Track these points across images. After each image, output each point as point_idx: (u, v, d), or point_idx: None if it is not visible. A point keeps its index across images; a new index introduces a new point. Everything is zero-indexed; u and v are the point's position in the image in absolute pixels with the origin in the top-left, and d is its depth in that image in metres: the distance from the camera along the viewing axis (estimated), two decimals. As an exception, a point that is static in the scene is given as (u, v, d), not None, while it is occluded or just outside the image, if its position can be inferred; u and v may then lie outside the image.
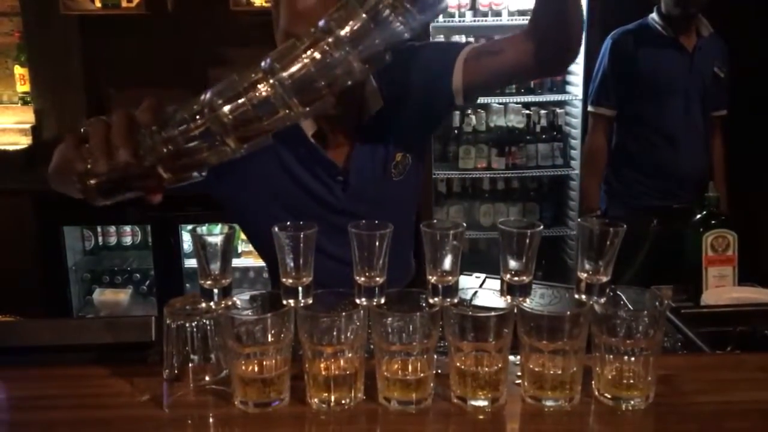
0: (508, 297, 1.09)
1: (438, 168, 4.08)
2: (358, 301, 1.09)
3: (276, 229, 1.09)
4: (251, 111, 0.96)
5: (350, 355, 1.05)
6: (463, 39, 4.01)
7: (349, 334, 1.04)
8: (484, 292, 1.25)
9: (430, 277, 1.10)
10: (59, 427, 1.06)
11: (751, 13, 3.60)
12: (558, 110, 4.19)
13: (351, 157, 1.54)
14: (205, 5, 3.84)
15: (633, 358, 1.04)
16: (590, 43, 3.47)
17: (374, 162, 1.56)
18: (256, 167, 1.50)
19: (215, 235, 1.08)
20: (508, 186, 4.30)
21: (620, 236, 1.06)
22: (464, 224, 1.11)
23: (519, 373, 1.09)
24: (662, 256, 2.14)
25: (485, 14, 3.98)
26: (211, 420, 1.06)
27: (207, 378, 1.11)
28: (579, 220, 1.12)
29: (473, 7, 4.00)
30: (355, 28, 0.94)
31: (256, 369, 1.06)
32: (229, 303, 1.10)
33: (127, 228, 3.99)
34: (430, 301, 1.09)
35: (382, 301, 1.09)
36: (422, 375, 1.06)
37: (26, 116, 4.05)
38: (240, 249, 3.89)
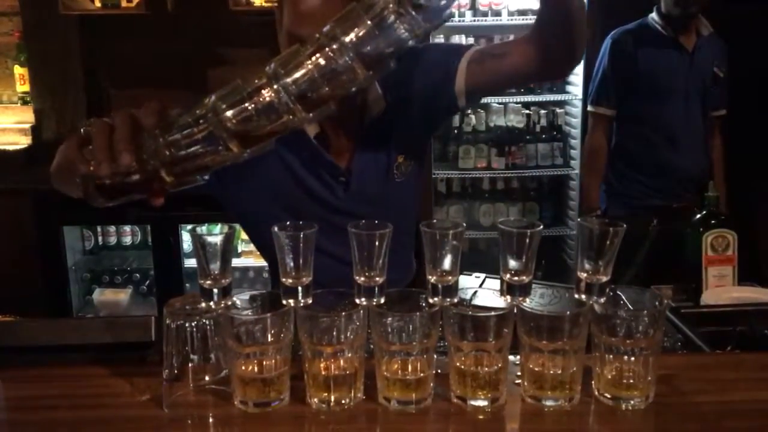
0: (508, 297, 1.09)
1: (438, 168, 4.09)
2: (357, 300, 1.09)
3: (276, 229, 1.09)
4: (255, 116, 0.96)
5: (350, 354, 1.05)
6: (462, 39, 4.02)
7: (348, 334, 1.04)
8: (484, 291, 1.24)
9: (430, 277, 1.10)
10: (59, 427, 1.06)
11: (751, 13, 3.60)
12: (558, 110, 4.19)
13: (353, 159, 1.54)
14: (205, 5, 3.84)
15: (633, 358, 1.04)
16: (590, 43, 3.47)
17: (376, 163, 1.56)
18: (257, 168, 1.50)
19: (215, 234, 1.08)
20: (508, 186, 4.31)
21: (620, 236, 1.06)
22: (464, 224, 1.11)
23: (519, 373, 1.09)
24: (662, 256, 2.14)
25: (485, 14, 3.98)
26: (210, 420, 1.06)
27: (207, 378, 1.11)
28: (579, 219, 1.12)
29: (473, 7, 4.00)
30: (360, 34, 0.94)
31: (255, 369, 1.06)
32: (229, 303, 1.10)
33: (127, 228, 3.99)
34: (430, 300, 1.09)
35: (382, 300, 1.09)
36: (422, 375, 1.06)
37: (26, 116, 4.05)
38: (240, 249, 3.89)
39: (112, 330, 1.46)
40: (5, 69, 4.08)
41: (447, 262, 1.09)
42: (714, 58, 3.16)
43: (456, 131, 4.14)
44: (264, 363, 1.06)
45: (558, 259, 4.30)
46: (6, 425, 1.09)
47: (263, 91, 0.96)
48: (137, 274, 3.96)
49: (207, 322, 1.09)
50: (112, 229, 3.99)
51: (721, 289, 1.84)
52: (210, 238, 1.08)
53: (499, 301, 1.10)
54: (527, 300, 1.09)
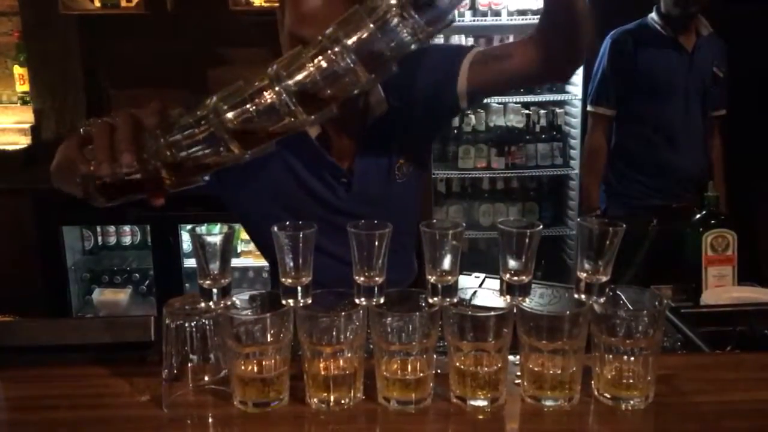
0: (508, 297, 1.09)
1: (437, 168, 4.08)
2: (357, 300, 1.09)
3: (275, 228, 1.09)
4: (256, 117, 0.96)
5: (349, 354, 1.05)
6: (462, 39, 4.01)
7: (348, 334, 1.04)
8: (484, 291, 1.25)
9: (430, 277, 1.10)
10: (59, 427, 1.06)
11: (751, 13, 3.60)
12: (557, 110, 4.19)
13: (355, 159, 1.54)
14: (204, 5, 3.84)
15: (632, 358, 1.04)
16: (590, 43, 3.47)
17: (378, 164, 1.56)
18: (259, 168, 1.50)
19: (214, 234, 1.08)
20: (508, 186, 4.31)
21: (620, 236, 1.06)
22: (464, 224, 1.11)
23: (518, 373, 1.09)
24: (662, 256, 2.14)
25: (484, 14, 3.98)
26: (210, 420, 1.06)
27: (206, 378, 1.11)
28: (578, 219, 1.12)
29: (473, 7, 4.00)
30: (363, 37, 0.94)
31: (255, 369, 1.06)
32: (229, 303, 1.10)
33: (127, 228, 3.99)
34: (430, 300, 1.09)
35: (382, 300, 1.09)
36: (421, 375, 1.06)
37: (25, 116, 4.05)
38: (239, 249, 3.89)
39: (111, 330, 1.46)
40: (5, 69, 4.08)
41: (446, 262, 1.09)
42: (714, 58, 3.16)
43: (456, 131, 4.14)
44: (263, 363, 1.06)
45: (558, 259, 4.30)
46: (6, 425, 1.09)
47: (265, 93, 0.96)
48: (137, 274, 3.96)
49: (206, 322, 1.09)
50: (112, 229, 3.99)
51: (721, 289, 1.84)
52: (209, 238, 1.08)
53: (499, 301, 1.10)
54: (527, 300, 1.09)
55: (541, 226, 1.09)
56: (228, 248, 1.10)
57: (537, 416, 1.05)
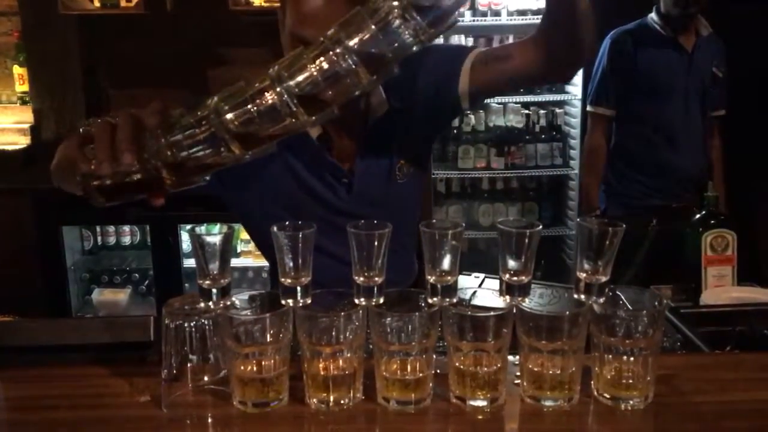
0: (507, 297, 1.09)
1: (437, 168, 4.09)
2: (357, 301, 1.09)
3: (275, 228, 1.09)
4: (257, 118, 0.96)
5: (349, 355, 1.05)
6: (462, 39, 4.01)
7: (347, 334, 1.04)
8: (483, 291, 1.25)
9: (429, 277, 1.10)
10: (58, 427, 1.06)
11: (751, 13, 3.60)
12: (557, 110, 4.20)
13: (356, 160, 1.54)
14: (204, 5, 3.84)
15: (632, 358, 1.04)
16: (590, 43, 3.47)
17: (379, 164, 1.56)
18: (260, 169, 1.49)
19: (214, 234, 1.08)
20: (507, 186, 4.31)
21: (619, 236, 1.06)
22: (463, 224, 1.11)
23: (518, 373, 1.09)
24: (661, 256, 2.14)
25: (484, 14, 3.98)
26: (209, 420, 1.06)
27: (206, 378, 1.11)
28: (578, 219, 1.12)
29: (472, 7, 4.00)
30: (364, 38, 0.94)
31: (254, 369, 1.06)
32: (228, 303, 1.10)
33: (126, 228, 3.99)
34: (429, 300, 1.09)
35: (381, 301, 1.09)
36: (421, 375, 1.05)
37: (25, 116, 4.05)
38: (239, 249, 3.89)
39: (111, 330, 1.46)
40: (4, 69, 4.08)
41: (446, 262, 1.09)
42: (713, 59, 3.16)
43: (455, 131, 4.14)
44: (263, 363, 1.06)
45: (557, 259, 4.30)
46: (5, 425, 1.09)
47: (266, 94, 0.96)
48: (136, 274, 3.96)
49: (206, 322, 1.09)
50: (112, 229, 3.99)
51: (721, 289, 1.84)
52: (209, 238, 1.08)
53: (499, 301, 1.10)
54: (526, 300, 1.09)
55: (540, 226, 1.09)
56: (227, 248, 1.09)
57: (536, 416, 1.05)
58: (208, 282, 1.09)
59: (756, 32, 3.62)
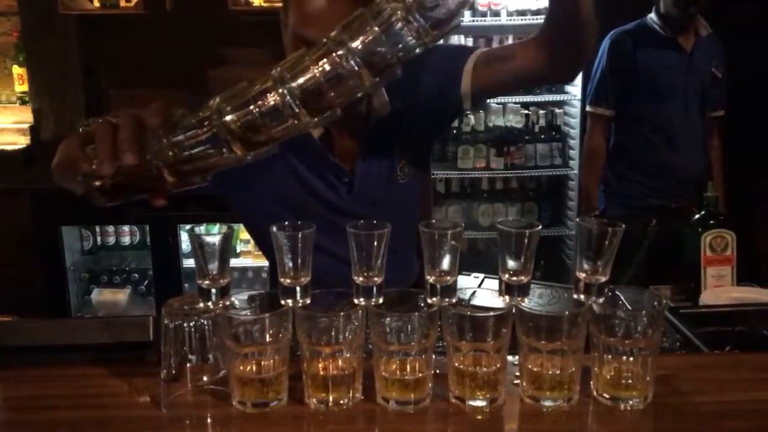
0: (507, 297, 1.09)
1: (437, 168, 4.08)
2: (356, 301, 1.09)
3: (274, 228, 1.09)
4: (259, 119, 0.96)
5: (348, 355, 1.05)
6: (461, 39, 4.01)
7: (347, 334, 1.04)
8: (483, 292, 1.25)
9: (429, 277, 1.10)
10: (58, 427, 1.06)
11: (751, 13, 3.61)
12: (557, 110, 4.20)
13: (357, 160, 1.54)
14: (203, 5, 3.84)
15: (631, 358, 1.04)
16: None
17: (381, 164, 1.56)
18: (261, 169, 1.49)
19: (213, 234, 1.08)
20: (507, 186, 4.31)
21: (619, 236, 1.06)
22: (463, 224, 1.11)
23: (517, 373, 1.09)
24: (661, 256, 2.14)
25: (484, 14, 3.98)
26: (209, 420, 1.06)
27: (205, 378, 1.11)
28: (578, 219, 1.12)
29: (472, 7, 3.99)
30: (367, 40, 0.94)
31: (254, 369, 1.06)
32: (227, 303, 1.10)
33: (126, 228, 3.99)
34: (429, 301, 1.09)
35: (381, 301, 1.09)
36: (420, 375, 1.05)
37: (24, 116, 4.05)
38: (238, 249, 3.89)
39: (110, 330, 1.46)
40: (4, 69, 4.08)
41: (446, 262, 1.09)
42: (712, 59, 3.16)
43: (455, 131, 4.14)
44: (262, 363, 1.06)
45: (557, 260, 4.30)
46: (5, 425, 1.09)
47: (268, 95, 0.96)
48: (136, 274, 3.96)
49: (205, 322, 1.09)
50: (111, 229, 3.99)
51: (720, 289, 1.84)
52: (208, 238, 1.08)
53: (498, 302, 1.10)
54: (526, 300, 1.09)
55: (540, 227, 1.09)
56: (227, 248, 1.09)
57: (536, 416, 1.05)
58: (207, 282, 1.09)
59: (756, 32, 3.62)
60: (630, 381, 1.05)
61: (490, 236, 4.06)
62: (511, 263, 1.09)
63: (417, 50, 0.96)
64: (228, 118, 0.96)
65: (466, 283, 1.72)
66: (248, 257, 3.89)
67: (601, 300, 1.07)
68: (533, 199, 4.31)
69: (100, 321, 1.95)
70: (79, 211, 3.27)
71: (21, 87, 4.02)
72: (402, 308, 1.09)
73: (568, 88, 4.12)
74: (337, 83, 0.96)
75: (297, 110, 0.96)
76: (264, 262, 3.65)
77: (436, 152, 4.12)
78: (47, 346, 1.42)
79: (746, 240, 1.95)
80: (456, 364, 1.05)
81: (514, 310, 1.05)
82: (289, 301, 1.08)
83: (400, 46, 0.95)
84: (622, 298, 1.10)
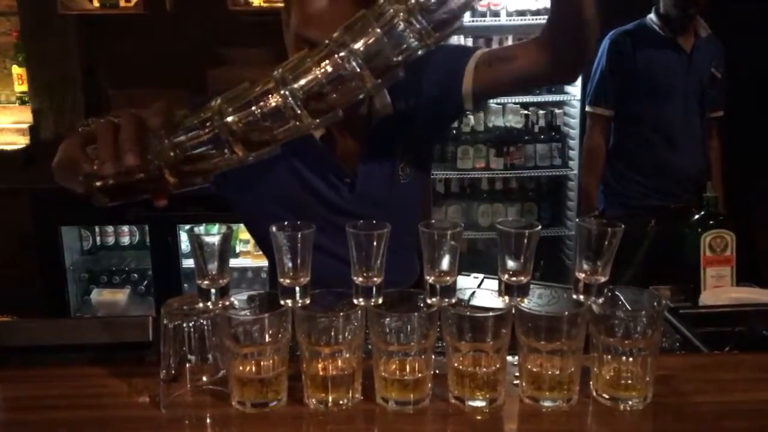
0: (506, 297, 1.09)
1: (436, 168, 4.08)
2: (355, 301, 1.09)
3: (274, 228, 1.09)
4: (261, 120, 0.96)
5: (348, 355, 1.05)
6: (461, 39, 4.01)
7: (346, 335, 1.04)
8: (482, 292, 1.25)
9: (428, 277, 1.10)
10: (57, 427, 1.06)
11: (751, 13, 3.61)
12: (556, 110, 4.20)
13: (359, 160, 1.54)
14: (203, 5, 3.84)
15: (631, 359, 1.04)
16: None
17: (382, 165, 1.56)
18: (263, 169, 1.49)
19: (213, 235, 1.08)
20: (507, 186, 4.31)
21: (618, 236, 1.06)
22: (462, 224, 1.11)
23: (517, 374, 1.09)
24: (660, 257, 2.14)
25: (483, 14, 3.98)
26: (208, 420, 1.06)
27: (204, 378, 1.11)
28: (577, 220, 1.12)
29: (472, 8, 3.99)
30: (369, 42, 0.94)
31: (253, 369, 1.06)
32: (227, 303, 1.10)
33: (125, 228, 3.99)
34: (428, 301, 1.09)
35: (380, 301, 1.09)
36: (420, 375, 1.05)
37: (24, 116, 4.04)
38: (238, 249, 3.89)
39: (109, 330, 1.46)
40: (3, 69, 4.08)
41: (445, 263, 1.09)
42: (712, 59, 3.16)
43: (454, 131, 4.14)
44: (262, 363, 1.06)
45: (556, 260, 4.30)
46: (4, 425, 1.09)
47: (270, 96, 0.96)
48: (135, 274, 3.96)
49: (204, 323, 1.09)
50: (111, 229, 3.99)
51: (720, 289, 1.84)
52: (208, 238, 1.08)
53: (498, 302, 1.10)
54: (525, 300, 1.09)
55: (539, 227, 1.09)
56: (226, 248, 1.09)
57: (535, 417, 1.05)
58: (206, 282, 1.09)
59: (755, 32, 3.62)
60: (629, 381, 1.05)
61: (490, 236, 4.06)
62: (510, 263, 1.09)
63: (419, 52, 0.96)
64: (230, 119, 0.96)
65: (466, 283, 1.72)
66: (248, 257, 3.89)
67: (600, 300, 1.07)
68: (533, 200, 4.32)
69: (100, 321, 1.95)
70: (79, 211, 3.28)
71: (20, 87, 4.02)
72: (401, 308, 1.09)
73: (567, 88, 4.12)
74: (339, 85, 0.96)
75: (299, 111, 0.96)
76: (263, 263, 3.65)
77: (436, 152, 4.12)
78: (47, 346, 1.42)
79: (746, 240, 1.95)
80: (455, 365, 1.05)
81: (513, 311, 1.05)
82: (289, 302, 1.08)
83: (403, 47, 0.95)
84: (621, 298, 1.10)
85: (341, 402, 1.06)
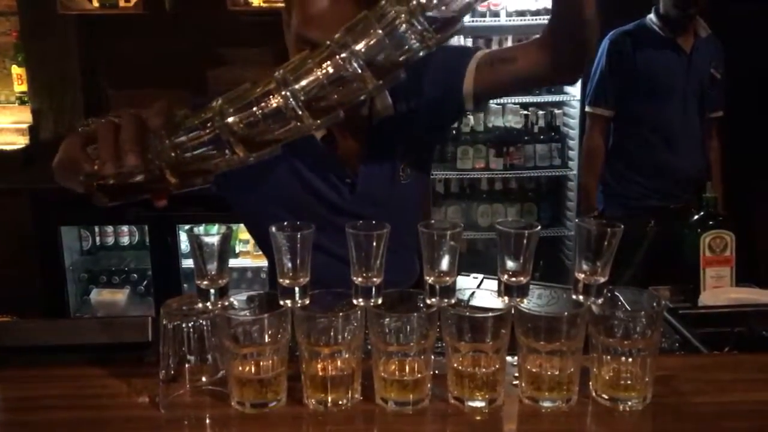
0: (506, 297, 1.09)
1: (436, 168, 4.08)
2: (355, 301, 1.09)
3: (273, 228, 1.09)
4: (261, 121, 0.96)
5: (347, 355, 1.05)
6: (461, 40, 4.01)
7: (346, 335, 1.04)
8: (482, 292, 1.25)
9: (428, 278, 1.10)
10: (56, 427, 1.06)
11: (751, 13, 3.61)
12: (556, 111, 4.20)
13: (360, 160, 1.54)
14: (203, 5, 3.84)
15: (630, 359, 1.04)
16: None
17: (383, 165, 1.56)
18: (263, 169, 1.49)
19: (212, 235, 1.08)
20: (506, 186, 4.31)
21: (618, 237, 1.06)
22: (462, 224, 1.11)
23: (516, 374, 1.09)
24: (660, 257, 2.14)
25: (483, 15, 3.98)
26: (207, 421, 1.06)
27: (203, 378, 1.11)
28: (577, 220, 1.12)
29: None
30: (371, 43, 0.94)
31: (252, 369, 1.06)
32: (226, 303, 1.09)
33: (125, 228, 3.99)
34: (428, 301, 1.09)
35: (380, 301, 1.09)
36: (419, 375, 1.05)
37: (23, 116, 4.04)
38: (237, 249, 3.89)
39: (109, 330, 1.46)
40: (3, 69, 4.08)
41: (445, 263, 1.09)
42: (711, 60, 3.16)
43: (454, 131, 4.14)
44: (261, 364, 1.06)
45: (556, 260, 4.30)
46: (4, 426, 1.09)
47: (271, 97, 0.95)
48: (135, 275, 3.96)
49: (204, 323, 1.09)
50: (110, 229, 3.99)
51: (719, 290, 1.84)
52: (207, 239, 1.08)
53: (497, 302, 1.10)
54: (525, 301, 1.09)
55: (539, 227, 1.09)
56: (226, 248, 1.09)
57: (535, 417, 1.05)
58: (206, 282, 1.08)
59: (755, 32, 3.62)
60: (629, 382, 1.05)
61: (489, 237, 4.06)
62: (510, 264, 1.08)
63: (421, 53, 0.96)
64: (230, 119, 0.96)
65: (466, 283, 1.72)
66: (247, 258, 3.89)
67: (600, 301, 1.07)
68: (532, 200, 4.32)
69: (99, 321, 1.95)
70: (79, 211, 3.28)
71: (20, 87, 4.02)
72: (401, 309, 1.09)
73: (567, 88, 4.12)
74: (340, 86, 0.95)
75: (300, 112, 0.95)
76: (263, 263, 3.65)
77: (435, 152, 4.11)
78: (46, 347, 1.42)
79: (745, 241, 1.95)
80: (455, 365, 1.05)
81: (513, 311, 1.05)
82: (288, 302, 1.08)
83: (404, 49, 0.95)
84: (621, 298, 1.10)
85: (340, 402, 1.06)
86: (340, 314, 1.05)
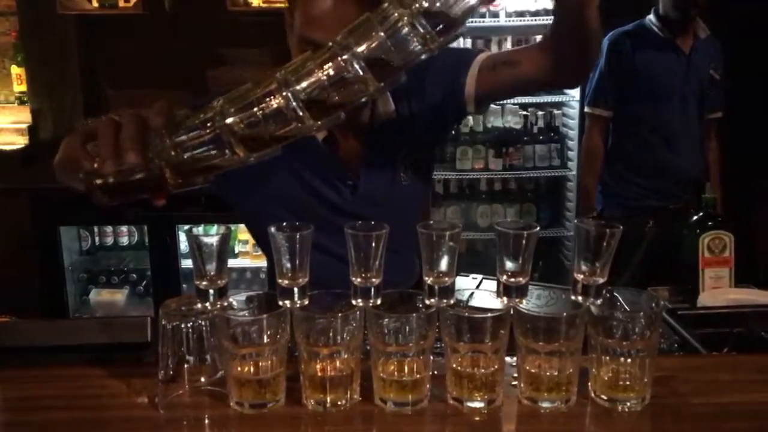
0: (505, 298, 1.09)
1: (435, 169, 4.05)
2: (354, 302, 1.09)
3: (272, 229, 1.09)
4: (262, 121, 0.96)
5: (346, 356, 1.05)
6: (460, 41, 4.01)
7: (345, 335, 1.04)
8: (481, 293, 1.25)
9: (427, 278, 1.10)
10: (55, 427, 1.06)
11: (748, 16, 3.61)
12: (555, 111, 4.20)
13: (361, 161, 1.54)
14: (202, 5, 3.83)
15: (629, 360, 1.05)
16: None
17: (384, 167, 1.56)
18: (264, 170, 1.49)
19: (211, 235, 1.08)
20: (506, 187, 4.31)
21: (617, 237, 1.06)
22: (461, 225, 1.11)
23: (515, 375, 1.09)
24: (659, 258, 2.14)
25: (482, 15, 3.97)
26: (206, 421, 1.06)
27: (202, 379, 1.11)
28: (576, 221, 1.12)
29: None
30: (373, 45, 0.94)
31: (251, 370, 1.06)
32: (225, 304, 1.09)
33: (124, 228, 3.98)
34: (427, 302, 1.09)
35: (379, 301, 1.09)
36: (418, 376, 1.05)
37: (23, 116, 4.04)
38: (236, 249, 3.89)
39: (108, 331, 1.46)
40: (2, 69, 4.07)
41: (444, 263, 1.09)
42: (711, 61, 3.16)
43: (453, 132, 4.14)
44: (260, 364, 1.06)
45: (555, 261, 4.31)
46: (3, 426, 1.09)
47: (272, 97, 0.95)
48: (134, 275, 3.95)
49: (203, 323, 1.09)
50: (109, 229, 3.98)
51: (718, 290, 1.84)
52: (206, 239, 1.08)
53: (496, 303, 1.10)
54: (524, 301, 1.09)
55: (538, 228, 1.09)
56: (225, 249, 1.09)
57: (534, 418, 1.05)
58: (205, 283, 1.08)
59: (755, 32, 3.62)
60: (628, 382, 1.05)
61: (489, 237, 4.06)
62: (509, 264, 1.09)
63: (422, 56, 0.96)
64: (231, 119, 0.96)
65: (465, 284, 1.72)
66: (246, 258, 3.89)
67: (599, 301, 1.07)
68: (532, 200, 4.32)
69: (98, 321, 1.95)
70: (78, 211, 3.28)
71: (19, 87, 4.02)
72: (400, 309, 1.09)
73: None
74: (342, 87, 0.95)
75: (300, 113, 0.95)
76: (262, 263, 3.65)
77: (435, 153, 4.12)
78: (45, 347, 1.42)
79: (744, 241, 1.95)
80: (454, 365, 1.05)
81: (512, 312, 1.05)
82: (287, 302, 1.08)
83: (406, 51, 0.95)
84: (620, 299, 1.10)
85: (339, 403, 1.06)
86: (339, 315, 1.05)
